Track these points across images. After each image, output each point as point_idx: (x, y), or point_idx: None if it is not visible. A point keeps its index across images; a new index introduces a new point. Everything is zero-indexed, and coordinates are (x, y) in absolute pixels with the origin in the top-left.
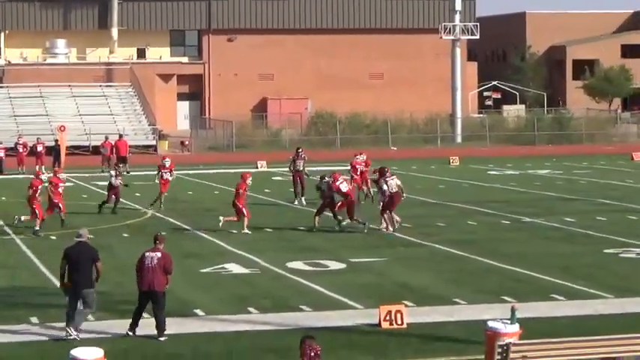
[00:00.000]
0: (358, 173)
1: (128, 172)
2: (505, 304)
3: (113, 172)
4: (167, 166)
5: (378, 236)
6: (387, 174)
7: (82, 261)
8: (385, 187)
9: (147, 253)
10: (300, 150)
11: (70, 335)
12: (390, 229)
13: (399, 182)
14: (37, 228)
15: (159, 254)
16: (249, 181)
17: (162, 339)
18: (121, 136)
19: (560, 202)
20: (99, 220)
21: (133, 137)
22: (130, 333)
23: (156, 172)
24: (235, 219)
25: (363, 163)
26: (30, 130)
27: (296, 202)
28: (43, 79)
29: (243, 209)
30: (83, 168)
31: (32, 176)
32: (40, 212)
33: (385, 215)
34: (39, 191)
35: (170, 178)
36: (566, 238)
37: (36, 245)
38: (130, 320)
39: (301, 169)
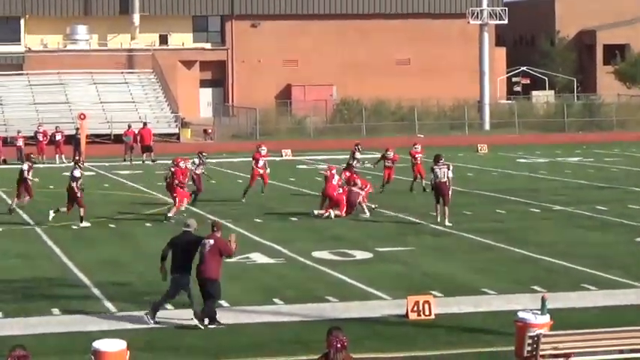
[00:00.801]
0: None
1: (154, 161)
2: (535, 294)
3: (197, 161)
4: (263, 154)
5: (405, 225)
6: (440, 162)
7: (184, 250)
8: (432, 175)
9: (204, 240)
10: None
11: (150, 322)
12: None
13: (450, 174)
14: (170, 214)
15: (211, 241)
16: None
17: (201, 326)
18: (145, 124)
19: (590, 190)
20: (121, 208)
21: (155, 125)
22: (201, 326)
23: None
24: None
25: (420, 153)
26: (50, 118)
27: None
28: (63, 65)
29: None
30: (104, 157)
31: (51, 165)
32: None
33: (438, 206)
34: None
35: (260, 170)
36: (597, 226)
37: (57, 235)
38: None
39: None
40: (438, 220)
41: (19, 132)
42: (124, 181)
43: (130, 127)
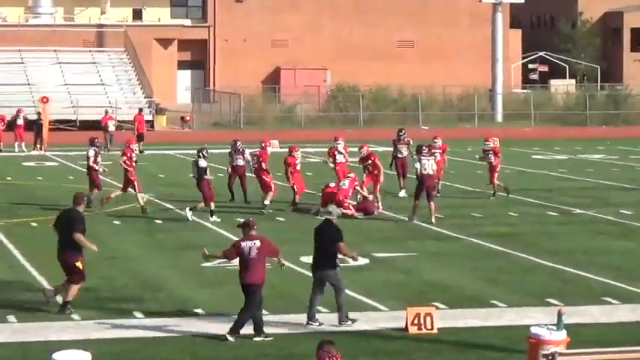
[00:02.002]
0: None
1: (142, 152)
2: (550, 307)
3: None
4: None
5: (405, 228)
6: (424, 151)
7: (325, 240)
8: (418, 165)
9: (243, 243)
10: (403, 132)
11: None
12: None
13: (435, 166)
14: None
15: (257, 242)
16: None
17: (257, 339)
18: (140, 110)
19: (615, 191)
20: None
21: (127, 111)
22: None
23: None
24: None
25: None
26: (8, 101)
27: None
28: (24, 42)
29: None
30: (69, 146)
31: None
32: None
33: (417, 202)
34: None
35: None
36: (621, 233)
37: (14, 233)
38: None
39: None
40: (414, 220)
41: None
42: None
43: (107, 113)
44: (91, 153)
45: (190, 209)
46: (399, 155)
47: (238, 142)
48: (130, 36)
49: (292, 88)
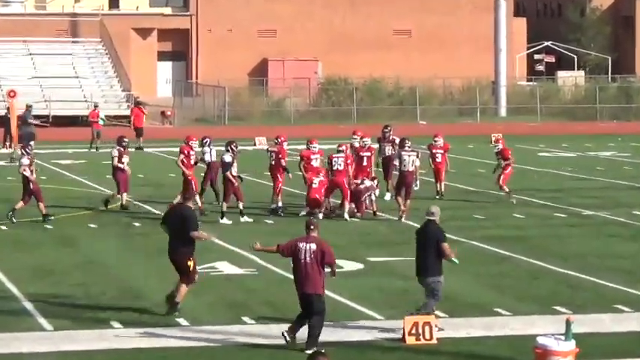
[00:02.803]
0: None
1: (141, 148)
2: (558, 315)
3: (207, 149)
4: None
5: (402, 230)
6: (407, 146)
7: (428, 242)
8: (397, 161)
9: (300, 243)
10: (388, 130)
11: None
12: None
13: (417, 162)
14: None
15: (313, 246)
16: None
17: (309, 351)
18: (138, 103)
19: (627, 191)
20: (60, 206)
21: (103, 105)
22: (287, 337)
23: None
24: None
25: (442, 149)
26: None
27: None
28: None
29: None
30: (41, 143)
31: None
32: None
33: (399, 199)
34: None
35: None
36: (634, 235)
37: None
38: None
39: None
40: (403, 218)
41: None
42: (64, 173)
43: (96, 107)
44: (115, 153)
45: (222, 215)
46: (383, 155)
47: (206, 139)
48: (107, 25)
49: (281, 80)
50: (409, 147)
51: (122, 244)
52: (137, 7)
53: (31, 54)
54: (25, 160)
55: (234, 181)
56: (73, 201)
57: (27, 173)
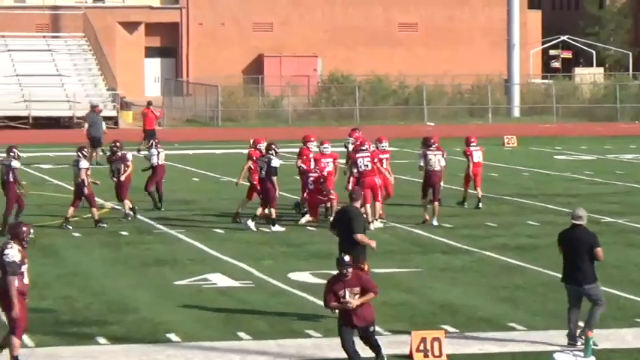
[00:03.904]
0: None
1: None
2: (577, 330)
3: (154, 151)
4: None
5: (408, 239)
6: (433, 146)
7: (580, 248)
8: (422, 161)
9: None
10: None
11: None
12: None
13: (443, 162)
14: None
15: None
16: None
17: None
18: (149, 103)
19: None
20: (41, 213)
21: (86, 106)
22: None
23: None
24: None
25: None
26: None
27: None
28: None
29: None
30: (21, 146)
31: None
32: None
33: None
34: None
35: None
36: None
37: None
38: None
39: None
40: (429, 221)
41: None
42: (45, 178)
43: (95, 106)
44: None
45: (252, 219)
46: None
47: (152, 141)
48: (90, 19)
49: (277, 78)
50: (435, 146)
51: (108, 255)
52: (123, 0)
53: (9, 50)
54: (85, 164)
55: (277, 186)
56: (55, 208)
57: (83, 176)
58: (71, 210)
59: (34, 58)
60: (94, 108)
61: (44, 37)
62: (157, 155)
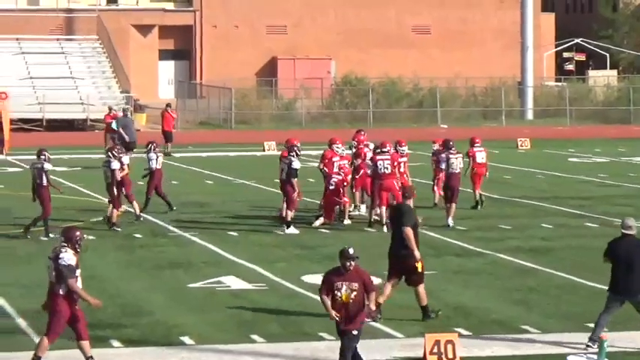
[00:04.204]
0: None
1: (169, 154)
2: (590, 333)
3: (153, 155)
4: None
5: (421, 241)
6: (453, 149)
7: (635, 259)
8: (444, 164)
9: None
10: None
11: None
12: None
13: (462, 164)
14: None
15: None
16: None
17: None
18: (168, 105)
19: None
20: (55, 216)
21: (100, 108)
22: None
23: None
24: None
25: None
26: None
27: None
28: None
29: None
30: (35, 148)
31: None
32: None
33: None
34: None
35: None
36: None
37: None
38: None
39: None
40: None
41: None
42: (60, 180)
43: (110, 110)
44: (49, 166)
45: (288, 226)
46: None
47: (150, 145)
48: (104, 22)
49: (291, 81)
50: (454, 150)
51: (122, 257)
52: (137, 2)
53: (23, 53)
54: (116, 165)
55: (297, 187)
56: (69, 211)
57: (119, 177)
58: (114, 212)
59: (48, 60)
60: (125, 111)
61: (58, 39)
62: (156, 159)
